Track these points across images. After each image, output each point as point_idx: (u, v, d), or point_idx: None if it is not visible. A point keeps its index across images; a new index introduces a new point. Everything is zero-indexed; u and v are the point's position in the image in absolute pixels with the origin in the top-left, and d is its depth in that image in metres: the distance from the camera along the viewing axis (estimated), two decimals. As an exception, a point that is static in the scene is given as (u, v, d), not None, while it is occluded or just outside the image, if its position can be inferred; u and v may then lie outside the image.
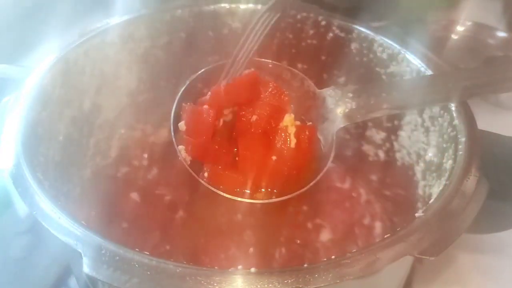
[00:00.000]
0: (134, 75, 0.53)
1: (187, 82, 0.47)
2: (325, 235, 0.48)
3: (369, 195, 0.53)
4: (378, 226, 0.50)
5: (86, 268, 0.29)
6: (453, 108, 0.42)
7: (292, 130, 0.44)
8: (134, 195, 0.51)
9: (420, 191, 0.45)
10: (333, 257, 0.30)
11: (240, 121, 0.44)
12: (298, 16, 0.53)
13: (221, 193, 0.42)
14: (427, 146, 0.45)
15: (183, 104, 0.45)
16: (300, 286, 0.28)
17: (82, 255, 0.30)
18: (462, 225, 0.34)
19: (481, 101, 0.64)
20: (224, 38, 0.54)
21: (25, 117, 0.40)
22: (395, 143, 0.51)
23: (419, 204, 0.44)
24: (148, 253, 0.30)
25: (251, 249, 0.46)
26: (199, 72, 0.47)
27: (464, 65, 0.64)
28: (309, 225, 0.49)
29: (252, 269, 0.29)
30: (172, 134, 0.44)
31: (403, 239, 0.31)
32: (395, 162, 0.51)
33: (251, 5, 0.53)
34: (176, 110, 0.45)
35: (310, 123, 0.46)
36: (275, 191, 0.43)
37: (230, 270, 0.29)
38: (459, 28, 0.71)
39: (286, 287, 0.28)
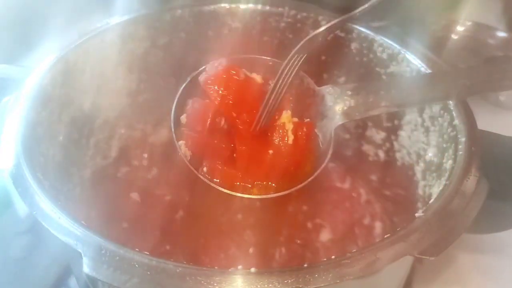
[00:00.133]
0: (134, 75, 0.53)
1: (188, 79, 0.47)
2: (325, 235, 0.48)
3: (369, 195, 0.52)
4: (378, 226, 0.50)
5: (86, 268, 0.29)
6: (453, 108, 0.42)
7: (289, 126, 0.44)
8: (134, 195, 0.51)
9: (420, 191, 0.45)
10: (333, 257, 0.30)
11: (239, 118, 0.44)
12: (298, 16, 0.53)
13: (219, 188, 0.42)
14: (427, 146, 0.45)
15: (188, 100, 0.45)
16: (300, 286, 0.28)
17: (82, 255, 0.30)
18: (462, 225, 0.34)
19: (481, 101, 0.64)
20: (224, 38, 0.54)
21: (25, 117, 0.40)
22: (395, 143, 0.51)
23: (419, 204, 0.44)
24: (148, 253, 0.30)
25: (251, 249, 0.46)
26: (201, 69, 0.47)
27: (464, 65, 0.64)
28: (309, 225, 0.49)
29: (252, 269, 0.29)
30: (172, 129, 0.45)
31: (403, 239, 0.31)
32: (395, 162, 0.51)
33: (251, 5, 0.53)
34: (177, 106, 0.45)
35: (308, 119, 0.46)
36: (273, 185, 0.43)
37: (230, 270, 0.29)
38: (459, 28, 0.71)
39: (286, 287, 0.28)
